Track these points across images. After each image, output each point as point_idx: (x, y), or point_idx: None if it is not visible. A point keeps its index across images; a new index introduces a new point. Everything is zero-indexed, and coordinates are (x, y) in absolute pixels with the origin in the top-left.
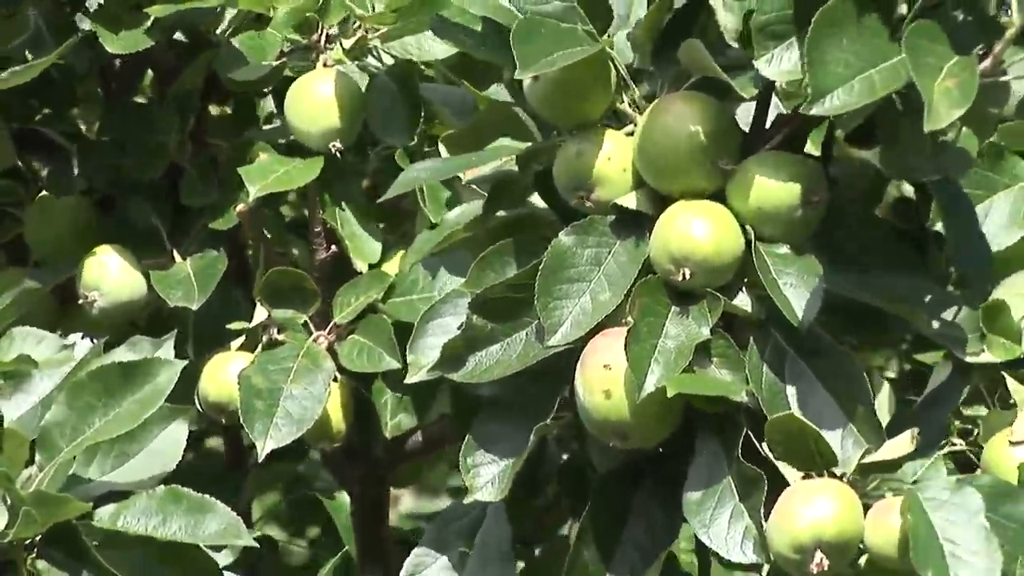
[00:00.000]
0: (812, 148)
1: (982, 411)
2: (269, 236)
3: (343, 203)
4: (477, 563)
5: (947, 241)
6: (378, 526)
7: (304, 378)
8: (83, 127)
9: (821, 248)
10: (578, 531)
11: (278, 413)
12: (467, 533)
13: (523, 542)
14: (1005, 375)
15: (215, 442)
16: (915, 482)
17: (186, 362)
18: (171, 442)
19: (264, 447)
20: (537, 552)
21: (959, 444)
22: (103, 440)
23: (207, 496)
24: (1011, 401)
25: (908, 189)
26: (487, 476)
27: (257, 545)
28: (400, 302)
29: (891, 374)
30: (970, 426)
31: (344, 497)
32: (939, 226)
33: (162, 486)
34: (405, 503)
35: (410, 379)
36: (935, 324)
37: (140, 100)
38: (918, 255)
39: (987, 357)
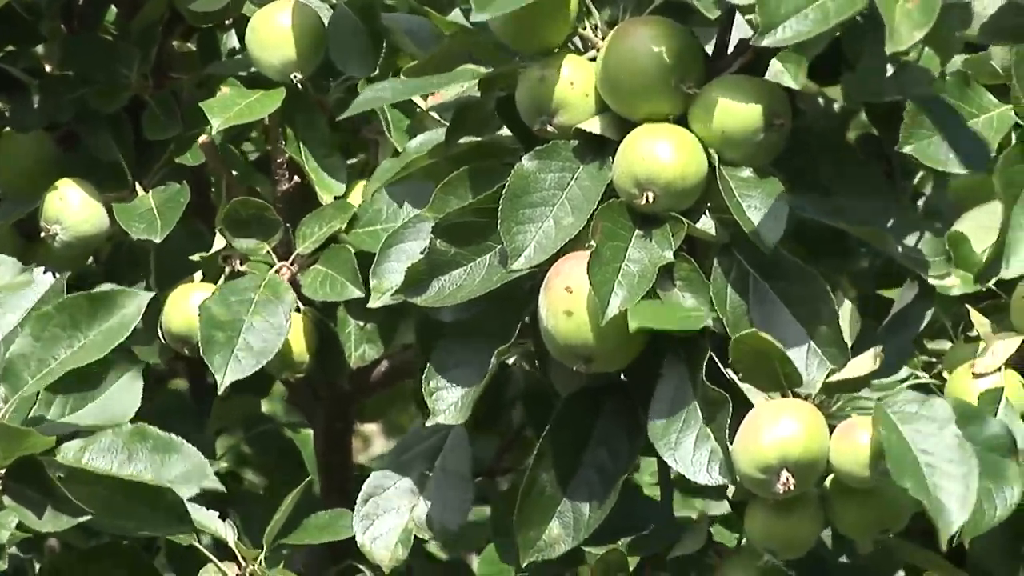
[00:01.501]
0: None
1: (946, 344)
2: (234, 171)
3: (305, 135)
4: (437, 486)
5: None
6: (342, 457)
7: (265, 309)
8: (47, 66)
9: (785, 172)
10: (536, 454)
11: (238, 345)
12: (428, 457)
13: (488, 473)
14: (968, 308)
15: (180, 380)
16: (881, 399)
17: (153, 293)
18: (128, 392)
19: (224, 380)
20: (502, 483)
21: (923, 376)
22: (69, 371)
23: (173, 436)
24: (974, 334)
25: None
26: (449, 400)
27: (223, 488)
28: (364, 232)
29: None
30: (934, 359)
31: (308, 431)
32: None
33: (128, 424)
34: (376, 445)
35: (373, 304)
36: (900, 247)
37: (103, 36)
38: (884, 179)
39: (952, 280)
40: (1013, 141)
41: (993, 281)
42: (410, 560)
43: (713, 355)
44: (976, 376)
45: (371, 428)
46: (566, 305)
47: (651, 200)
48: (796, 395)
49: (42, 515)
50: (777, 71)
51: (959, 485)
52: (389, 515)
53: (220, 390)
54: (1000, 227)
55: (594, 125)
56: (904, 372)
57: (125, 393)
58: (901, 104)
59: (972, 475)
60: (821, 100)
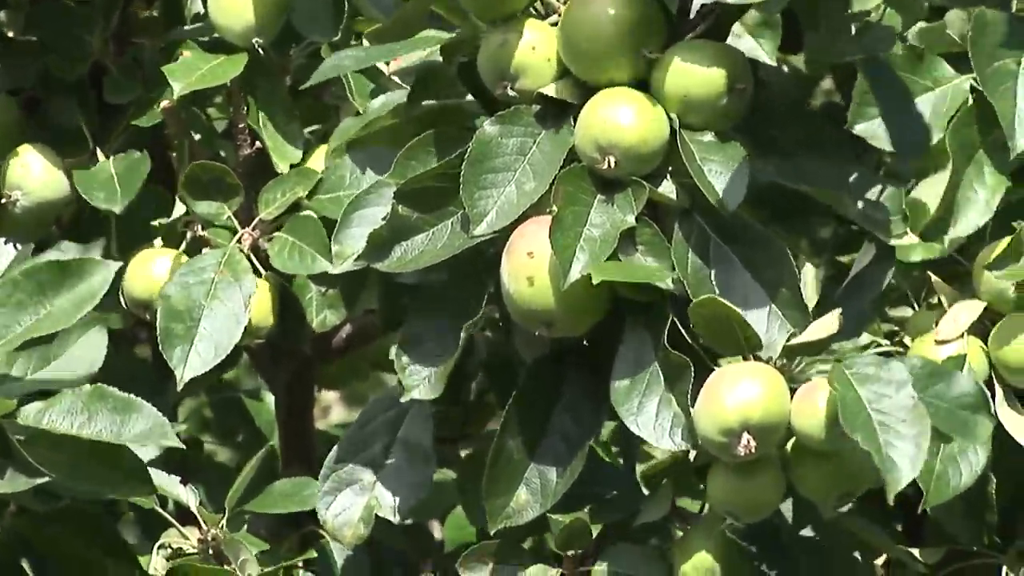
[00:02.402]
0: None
1: (908, 312)
2: (197, 136)
3: (266, 101)
4: (399, 460)
5: (883, 120)
6: (303, 424)
7: (224, 292)
8: (10, 32)
9: (747, 136)
10: (503, 421)
11: (197, 336)
12: (389, 429)
13: (450, 439)
14: (930, 275)
15: (143, 347)
16: (840, 360)
17: (120, 264)
18: (92, 348)
19: (183, 376)
20: (464, 452)
21: (885, 344)
22: (34, 336)
23: (133, 395)
24: (936, 301)
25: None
26: (422, 374)
27: (183, 446)
28: (327, 198)
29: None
30: (896, 326)
31: (269, 397)
32: (859, 128)
33: (88, 385)
34: (336, 413)
35: (335, 269)
36: (858, 208)
37: (66, 2)
38: (846, 142)
39: (910, 239)
40: (969, 103)
41: (955, 247)
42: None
43: (675, 320)
44: (938, 343)
45: (330, 397)
46: (528, 270)
47: (613, 165)
48: (757, 358)
49: (2, 477)
50: (751, 47)
51: (910, 444)
52: (351, 490)
53: (179, 387)
54: (948, 187)
55: (555, 90)
56: (866, 339)
57: (90, 348)
58: None
59: (924, 436)
60: (786, 68)
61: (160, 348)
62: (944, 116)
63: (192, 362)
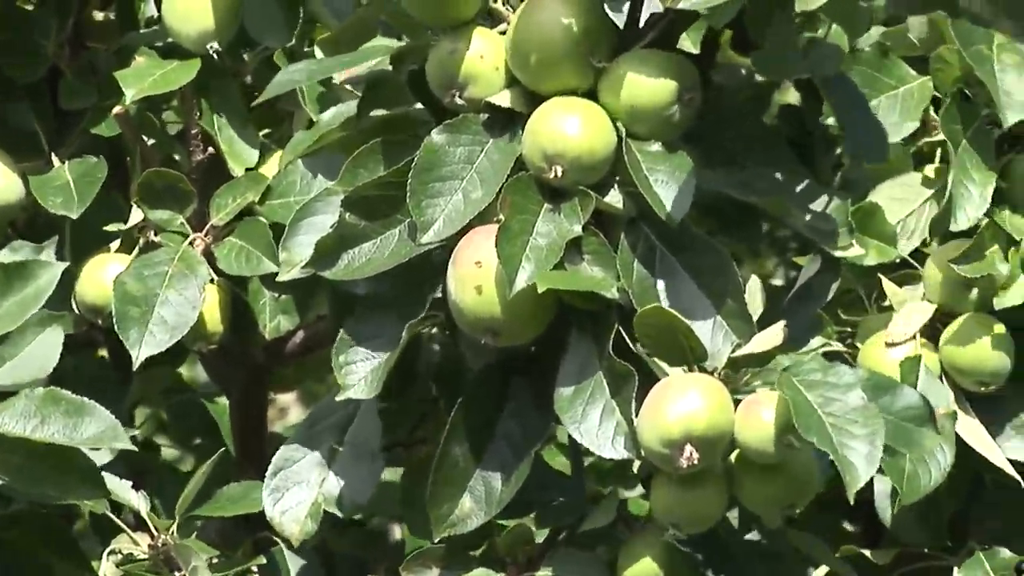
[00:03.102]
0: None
1: (860, 315)
2: (151, 141)
3: (220, 106)
4: (347, 459)
5: (844, 130)
6: (257, 428)
7: (179, 283)
8: None
9: (696, 146)
10: (448, 427)
11: (153, 320)
12: (338, 430)
13: (400, 445)
14: (881, 278)
15: (99, 347)
16: (786, 370)
17: (67, 264)
18: (47, 347)
19: (139, 355)
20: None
21: (836, 346)
22: None
23: (86, 399)
24: (887, 304)
25: (795, 96)
26: (360, 373)
27: (135, 448)
28: (277, 204)
29: (779, 281)
30: (848, 329)
31: (225, 401)
32: (830, 121)
33: (41, 388)
34: (294, 414)
35: (283, 277)
36: (804, 219)
37: (20, 5)
38: (794, 154)
39: (856, 251)
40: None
41: (907, 251)
42: (322, 531)
43: (620, 328)
44: (889, 345)
45: (287, 398)
46: (475, 279)
47: (559, 174)
48: (702, 369)
49: None
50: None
51: (864, 443)
52: (298, 488)
53: (135, 366)
54: (951, 182)
55: (504, 99)
56: (817, 341)
57: (44, 349)
58: None
59: (878, 434)
60: (743, 70)
61: (116, 329)
62: (909, 115)
63: (148, 342)
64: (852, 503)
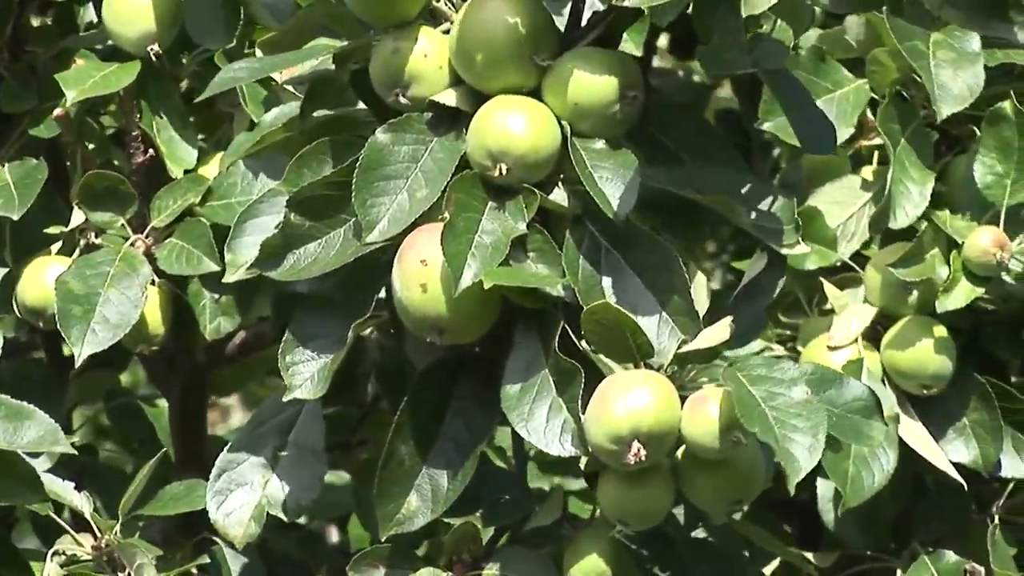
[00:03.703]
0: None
1: (801, 318)
2: (91, 144)
3: (160, 108)
4: (290, 461)
5: (791, 125)
6: (197, 430)
7: (121, 282)
8: None
9: (640, 144)
10: (394, 426)
11: (94, 318)
12: (281, 432)
13: (342, 446)
14: (822, 281)
15: (37, 351)
16: (731, 365)
17: (7, 269)
18: None
19: (81, 353)
20: (359, 455)
21: (778, 350)
22: None
23: (25, 403)
24: (828, 307)
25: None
26: (306, 374)
27: (75, 452)
28: (218, 205)
29: (716, 285)
30: (788, 332)
31: (164, 403)
32: (768, 125)
33: None
34: (235, 417)
35: (228, 278)
36: (750, 217)
37: None
38: (739, 152)
39: (802, 249)
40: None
41: (848, 255)
42: (265, 533)
43: (566, 326)
44: (831, 348)
45: (230, 400)
46: (420, 277)
47: (504, 172)
48: (648, 366)
49: None
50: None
51: (807, 436)
52: (242, 490)
53: (77, 363)
54: (890, 180)
55: (448, 97)
56: (758, 345)
57: None
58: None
59: (820, 428)
60: (681, 73)
61: (58, 327)
62: (846, 118)
63: (90, 340)
64: (792, 495)
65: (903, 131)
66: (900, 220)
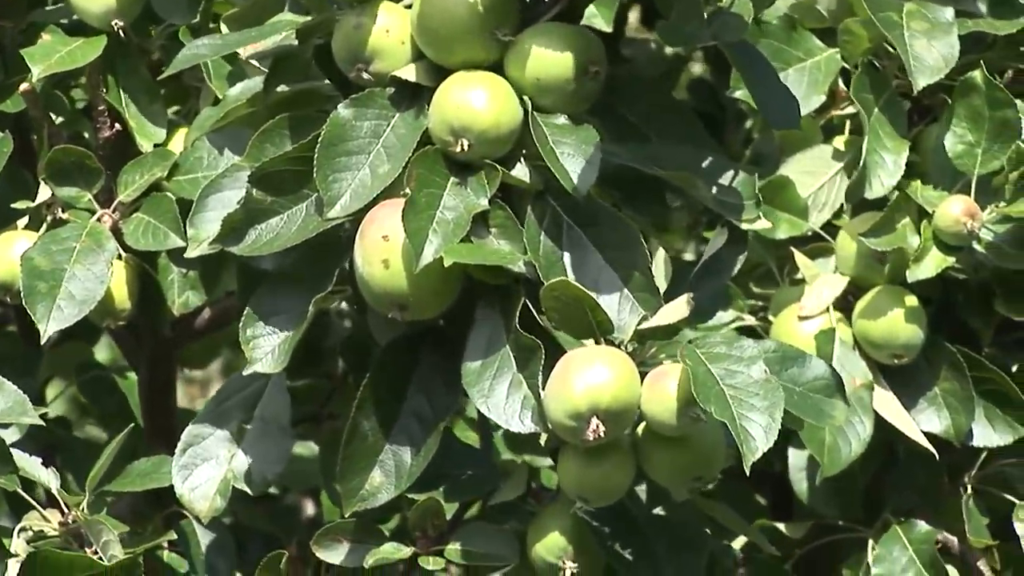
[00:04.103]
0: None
1: (772, 290)
2: (59, 118)
3: (126, 83)
4: (255, 435)
5: (754, 98)
6: (165, 403)
7: (87, 258)
8: None
9: (603, 119)
10: (357, 401)
11: (60, 295)
12: (246, 406)
13: (310, 420)
14: (793, 251)
15: (10, 325)
16: (691, 342)
17: None
18: None
19: (47, 329)
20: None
21: (749, 320)
22: None
23: None
24: (799, 277)
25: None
26: (266, 347)
27: (43, 423)
28: (185, 180)
29: (690, 256)
30: (759, 303)
31: (135, 376)
32: (740, 94)
33: None
34: (213, 391)
35: (190, 253)
36: (711, 192)
37: None
38: (703, 127)
39: (763, 224)
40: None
41: (819, 224)
42: (235, 506)
43: (527, 302)
44: (802, 319)
45: (209, 374)
46: (382, 253)
47: (466, 148)
48: (609, 342)
49: None
50: (590, 14)
51: (763, 415)
52: (207, 465)
53: (43, 339)
54: (865, 150)
55: (410, 73)
56: (729, 315)
57: None
58: None
59: (777, 407)
60: (653, 45)
61: (24, 303)
62: (817, 87)
63: (55, 317)
64: (747, 474)
65: (876, 101)
66: (876, 190)
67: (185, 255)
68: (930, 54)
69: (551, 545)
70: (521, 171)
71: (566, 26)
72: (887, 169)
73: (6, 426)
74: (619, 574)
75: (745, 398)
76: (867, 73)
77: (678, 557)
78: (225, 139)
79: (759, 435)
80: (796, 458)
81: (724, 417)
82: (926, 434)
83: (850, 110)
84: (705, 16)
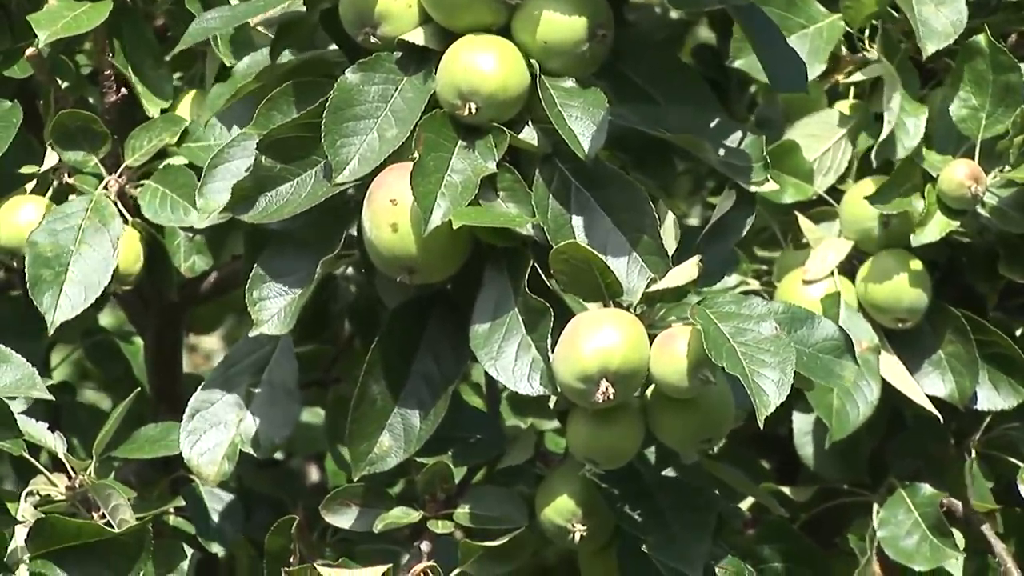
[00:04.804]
0: None
1: (776, 252)
2: (65, 83)
3: (133, 48)
4: (263, 399)
5: (760, 61)
6: (172, 368)
7: (92, 238)
8: None
9: (610, 82)
10: (366, 365)
11: (66, 281)
12: (254, 370)
13: (317, 383)
14: (797, 215)
15: (15, 290)
16: (700, 303)
17: None
18: None
19: (53, 320)
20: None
21: (753, 284)
22: None
23: (2, 346)
24: (804, 241)
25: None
26: (273, 309)
27: (52, 398)
28: (197, 147)
29: (695, 221)
30: (764, 267)
31: (141, 342)
32: (739, 63)
33: None
34: (218, 358)
35: (200, 224)
36: (719, 154)
37: None
38: (709, 90)
39: (771, 186)
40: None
41: (824, 188)
42: (241, 470)
43: (536, 265)
44: (807, 283)
45: (213, 342)
46: (390, 217)
47: (474, 111)
48: (618, 304)
49: None
50: None
51: (775, 371)
52: (215, 430)
53: (50, 331)
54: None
55: (417, 36)
56: (734, 279)
57: None
58: None
59: (789, 362)
60: (658, 9)
61: (30, 294)
62: (819, 54)
63: (62, 306)
64: (761, 428)
65: (891, 62)
66: (900, 152)
67: (195, 226)
68: (938, 19)
69: (560, 508)
70: (529, 134)
71: None
72: (907, 132)
73: (13, 397)
74: (628, 536)
75: (756, 354)
76: (884, 36)
77: (687, 518)
78: (235, 106)
79: (771, 390)
80: (800, 422)
81: (737, 372)
82: (931, 398)
83: (856, 76)
84: None
